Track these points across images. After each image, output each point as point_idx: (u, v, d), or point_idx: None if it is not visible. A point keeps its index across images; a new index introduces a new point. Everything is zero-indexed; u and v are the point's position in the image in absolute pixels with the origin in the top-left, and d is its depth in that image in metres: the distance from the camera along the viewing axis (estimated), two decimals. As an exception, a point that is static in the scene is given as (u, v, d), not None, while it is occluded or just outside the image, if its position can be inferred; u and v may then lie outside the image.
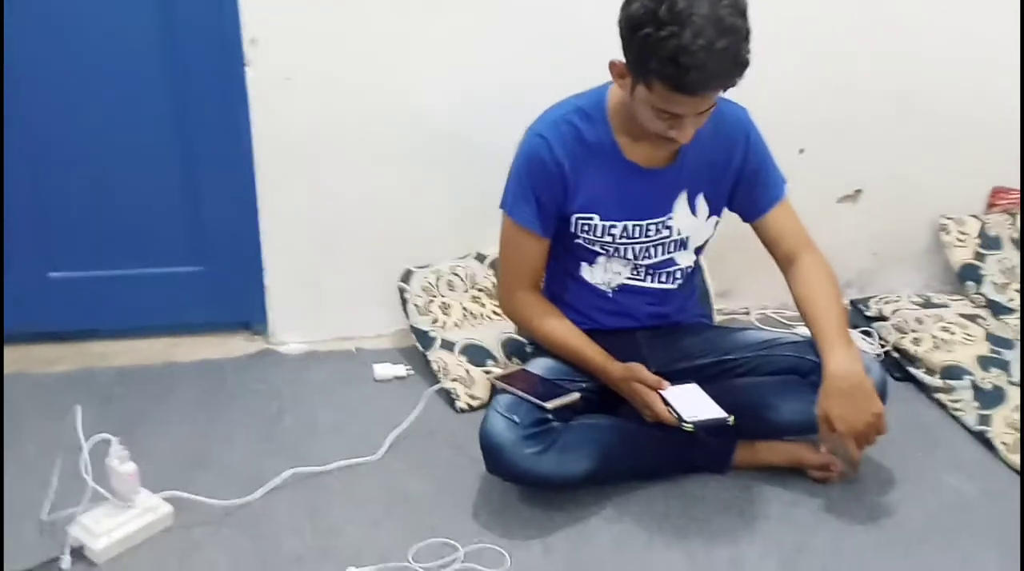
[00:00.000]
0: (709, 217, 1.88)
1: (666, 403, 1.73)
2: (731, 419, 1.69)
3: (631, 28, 1.54)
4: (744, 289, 2.26)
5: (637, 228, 1.83)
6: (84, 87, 2.05)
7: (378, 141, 2.19)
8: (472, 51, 2.16)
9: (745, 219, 1.92)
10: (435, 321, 2.21)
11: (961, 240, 2.60)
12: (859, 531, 1.75)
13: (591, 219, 1.81)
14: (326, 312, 2.32)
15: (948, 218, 2.63)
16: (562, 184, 1.77)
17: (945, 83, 2.46)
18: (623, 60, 1.62)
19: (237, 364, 2.23)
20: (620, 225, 1.82)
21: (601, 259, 1.87)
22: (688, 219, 1.86)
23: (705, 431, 1.72)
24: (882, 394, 1.80)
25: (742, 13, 1.53)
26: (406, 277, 2.27)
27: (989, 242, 2.59)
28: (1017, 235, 2.60)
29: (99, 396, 2.04)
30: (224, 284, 2.27)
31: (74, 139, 2.09)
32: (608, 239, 1.83)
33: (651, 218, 1.83)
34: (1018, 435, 2.03)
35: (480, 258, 2.33)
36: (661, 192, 1.83)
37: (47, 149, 2.09)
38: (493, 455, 1.70)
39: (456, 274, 2.29)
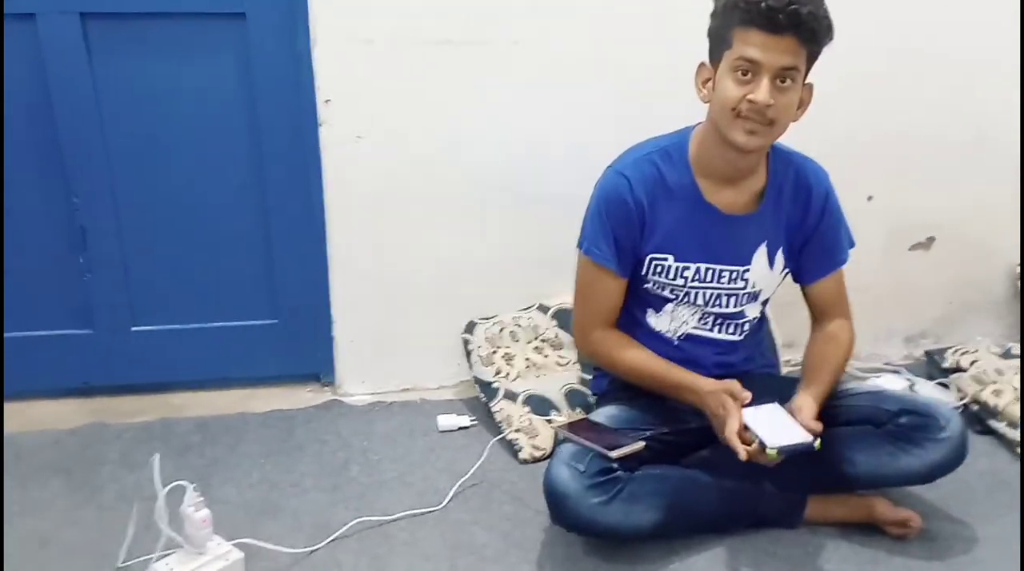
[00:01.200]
0: (783, 271, 1.90)
1: (746, 428, 1.69)
2: (817, 443, 1.66)
3: None
4: None
5: (710, 272, 1.84)
6: (166, 147, 2.15)
7: (443, 196, 2.25)
8: (533, 107, 2.21)
9: (799, 279, 1.94)
10: (498, 372, 2.23)
11: (1041, 288, 2.53)
12: (941, 592, 1.70)
13: (665, 260, 1.82)
14: (392, 363, 2.36)
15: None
16: (640, 223, 1.80)
17: (1017, 126, 2.42)
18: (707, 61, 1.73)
19: (306, 415, 2.28)
20: (694, 267, 1.83)
21: (669, 306, 1.88)
22: (765, 272, 1.87)
23: (789, 456, 1.67)
24: (963, 448, 1.79)
25: None
26: (470, 328, 2.30)
27: (1071, 289, 2.51)
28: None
29: (176, 446, 2.11)
30: (295, 337, 2.34)
31: (153, 197, 2.19)
32: (680, 282, 1.84)
33: (727, 264, 1.84)
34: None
35: (543, 309, 2.35)
36: (741, 240, 1.84)
37: (131, 210, 2.19)
38: (558, 505, 1.69)
39: (519, 325, 2.31)
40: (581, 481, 1.68)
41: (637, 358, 1.88)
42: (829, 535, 1.83)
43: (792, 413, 1.73)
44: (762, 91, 1.63)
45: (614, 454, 1.71)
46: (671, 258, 1.82)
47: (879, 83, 2.28)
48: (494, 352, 2.26)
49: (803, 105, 1.74)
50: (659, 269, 1.83)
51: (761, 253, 1.85)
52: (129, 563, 1.69)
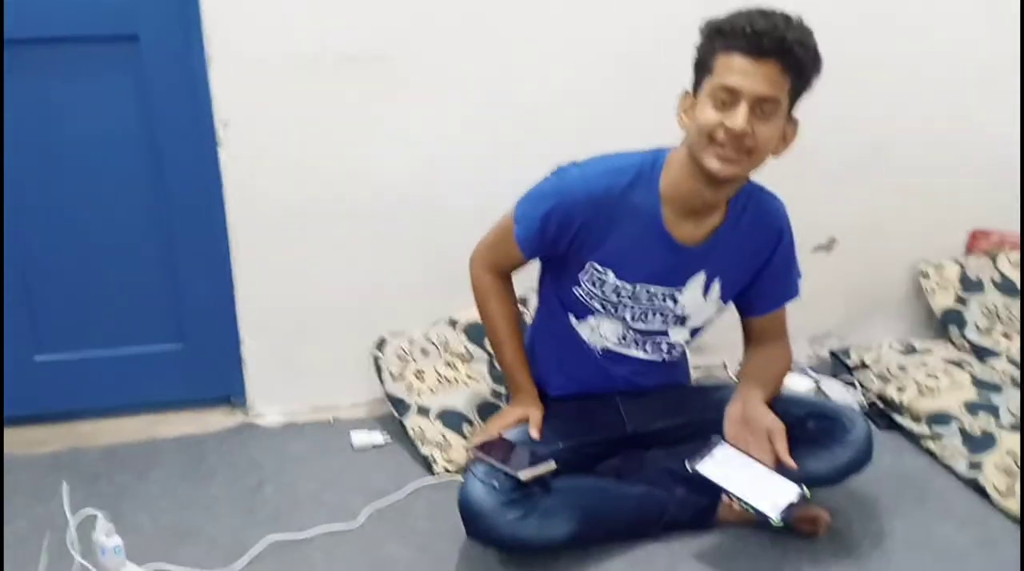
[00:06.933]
0: (716, 302, 1.97)
1: (716, 486, 1.76)
2: (808, 492, 1.75)
3: (708, 24, 1.71)
4: (720, 343, 2.34)
5: (645, 291, 1.91)
6: (64, 172, 2.19)
7: (349, 214, 2.31)
8: (437, 122, 2.28)
9: (745, 313, 2.03)
10: (410, 388, 2.30)
11: (941, 285, 2.68)
12: (850, 586, 1.82)
13: (606, 274, 1.88)
14: (303, 383, 2.42)
15: (927, 263, 2.71)
16: (584, 234, 1.85)
17: (919, 128, 2.58)
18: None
19: (217, 438, 2.33)
20: (631, 286, 1.89)
21: (592, 319, 1.95)
22: (696, 299, 1.94)
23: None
24: (869, 449, 1.90)
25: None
26: (380, 345, 2.36)
27: (970, 285, 2.68)
28: (998, 277, 2.70)
29: (85, 475, 2.15)
30: (203, 360, 2.40)
31: (54, 224, 2.22)
32: (613, 298, 1.91)
33: (663, 285, 1.91)
34: (1011, 479, 2.09)
35: (452, 324, 2.42)
36: (683, 266, 1.90)
37: (29, 235, 2.22)
38: (473, 521, 1.77)
39: (429, 340, 2.38)
40: (496, 497, 1.75)
41: (494, 313, 2.00)
42: (741, 535, 1.94)
43: (747, 417, 1.83)
44: (739, 118, 1.65)
45: (523, 476, 1.77)
46: (611, 274, 1.88)
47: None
48: (405, 368, 2.33)
49: (787, 140, 1.77)
50: (596, 280, 1.90)
51: (698, 279, 1.91)
52: (44, 593, 1.73)
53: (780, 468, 1.79)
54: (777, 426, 1.81)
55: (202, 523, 2.00)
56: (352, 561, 1.89)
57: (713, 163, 1.71)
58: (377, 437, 2.31)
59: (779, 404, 1.92)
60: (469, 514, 1.77)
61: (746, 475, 1.77)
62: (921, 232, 2.71)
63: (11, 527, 1.96)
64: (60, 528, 1.70)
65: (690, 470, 1.80)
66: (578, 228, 1.84)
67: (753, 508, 1.73)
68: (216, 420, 2.42)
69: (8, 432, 2.31)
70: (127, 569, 1.73)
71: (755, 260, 1.95)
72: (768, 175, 1.91)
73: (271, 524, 1.98)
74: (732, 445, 1.82)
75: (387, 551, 1.92)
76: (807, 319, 2.55)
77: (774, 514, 1.71)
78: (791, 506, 1.73)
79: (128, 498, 2.08)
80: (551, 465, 1.82)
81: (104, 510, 1.69)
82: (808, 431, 1.91)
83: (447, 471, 2.17)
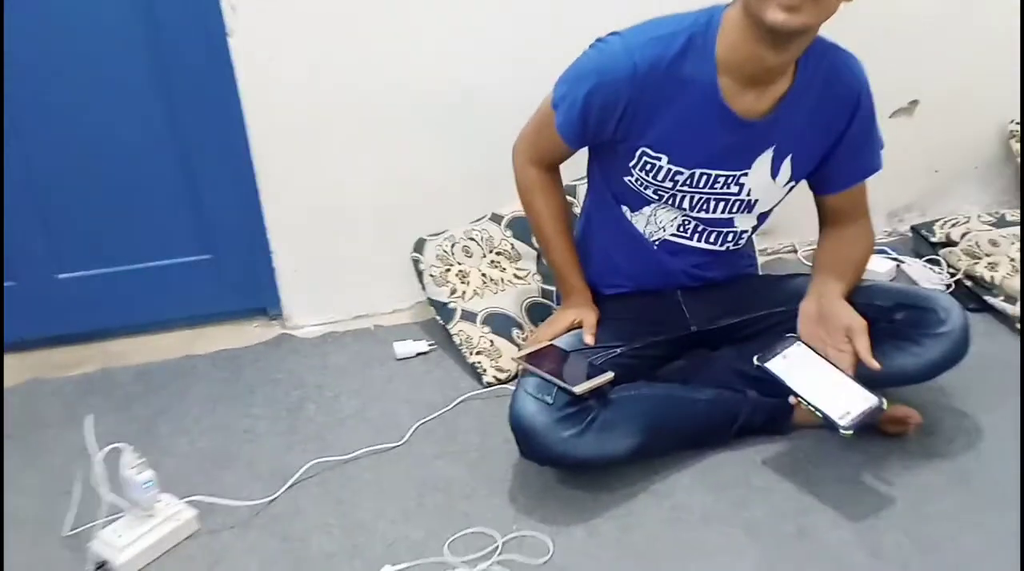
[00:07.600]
0: (788, 183, 1.79)
1: (783, 384, 1.63)
2: (885, 403, 1.60)
3: None
4: (787, 225, 2.24)
5: (705, 177, 1.73)
6: (69, 82, 2.05)
7: (379, 108, 2.18)
8: (474, 12, 2.13)
9: (820, 190, 1.85)
10: (453, 292, 2.21)
11: (1033, 147, 2.52)
12: (942, 491, 1.70)
13: (659, 159, 1.71)
14: (341, 291, 2.34)
15: (1017, 123, 2.54)
16: (631, 115, 1.67)
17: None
18: None
19: (255, 352, 2.27)
20: (688, 172, 1.72)
21: (648, 208, 1.81)
22: (764, 181, 1.76)
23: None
24: (965, 342, 1.74)
25: None
26: (419, 246, 2.25)
27: (1066, 145, 2.51)
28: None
29: (119, 397, 2.10)
30: (234, 270, 2.31)
31: (66, 137, 2.10)
32: (668, 185, 1.74)
33: (725, 169, 1.73)
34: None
35: (496, 219, 2.30)
36: (747, 145, 1.72)
37: (41, 150, 2.10)
38: (526, 440, 1.66)
39: (472, 238, 2.27)
40: (549, 414, 1.64)
41: (540, 210, 1.88)
42: (820, 439, 1.82)
43: (823, 315, 1.68)
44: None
45: (578, 389, 1.66)
46: (665, 159, 1.71)
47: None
48: (447, 270, 2.23)
49: None
50: (649, 167, 1.73)
51: (765, 159, 1.73)
52: (77, 531, 1.67)
53: (861, 370, 1.63)
54: (857, 323, 1.65)
55: (242, 447, 1.93)
56: (400, 483, 1.81)
57: (776, 15, 1.49)
58: (421, 345, 2.23)
59: (862, 294, 1.77)
60: (521, 433, 1.66)
61: (819, 378, 1.62)
62: (1010, 90, 2.51)
63: (45, 459, 1.90)
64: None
65: (756, 366, 1.65)
66: (624, 109, 1.66)
67: (822, 413, 1.58)
68: (253, 333, 2.35)
69: (35, 354, 2.27)
70: (161, 503, 1.68)
71: (830, 130, 1.75)
72: (841, 33, 1.69)
73: (314, 445, 1.92)
74: (807, 345, 1.67)
75: (437, 471, 1.84)
76: (885, 192, 2.41)
77: (844, 421, 1.56)
78: (865, 416, 1.58)
79: (165, 421, 2.02)
80: (608, 375, 1.70)
81: (139, 436, 1.67)
82: (896, 324, 1.75)
83: (496, 380, 2.08)
